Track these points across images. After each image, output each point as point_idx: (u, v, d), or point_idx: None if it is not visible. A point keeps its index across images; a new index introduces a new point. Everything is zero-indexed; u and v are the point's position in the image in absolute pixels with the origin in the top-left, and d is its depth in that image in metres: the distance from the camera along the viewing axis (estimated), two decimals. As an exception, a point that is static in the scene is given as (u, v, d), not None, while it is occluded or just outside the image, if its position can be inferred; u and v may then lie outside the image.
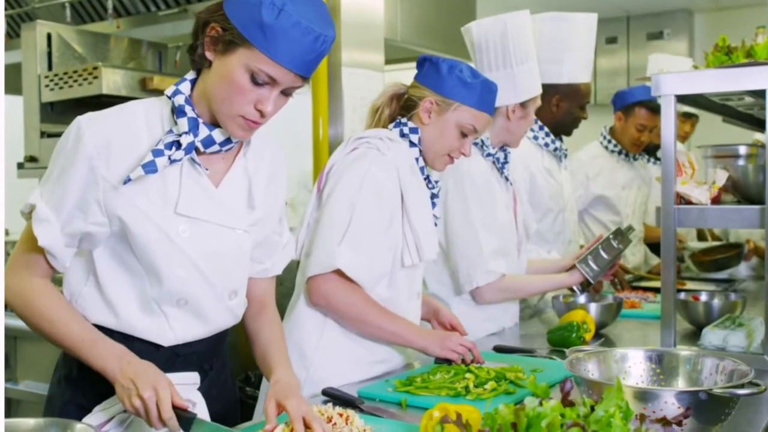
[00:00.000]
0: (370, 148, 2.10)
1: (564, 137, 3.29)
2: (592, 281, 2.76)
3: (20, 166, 3.56)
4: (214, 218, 1.61)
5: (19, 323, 1.62)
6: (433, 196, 2.24)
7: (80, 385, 1.64)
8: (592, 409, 1.14)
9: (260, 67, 1.47)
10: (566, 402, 1.14)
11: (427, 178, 2.20)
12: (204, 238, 1.60)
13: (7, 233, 4.07)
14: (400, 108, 2.21)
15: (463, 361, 2.07)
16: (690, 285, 3.61)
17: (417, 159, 2.16)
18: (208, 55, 1.53)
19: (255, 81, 1.49)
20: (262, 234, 1.74)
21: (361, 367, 2.11)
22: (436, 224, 2.27)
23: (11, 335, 3.22)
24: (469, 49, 2.73)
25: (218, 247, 1.63)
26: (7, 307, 1.59)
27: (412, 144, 2.15)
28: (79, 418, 1.53)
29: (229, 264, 1.66)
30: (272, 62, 1.47)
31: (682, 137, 4.95)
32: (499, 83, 2.58)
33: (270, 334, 1.75)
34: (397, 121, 2.18)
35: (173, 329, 1.62)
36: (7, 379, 3.19)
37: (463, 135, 2.15)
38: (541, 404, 1.11)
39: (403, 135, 2.16)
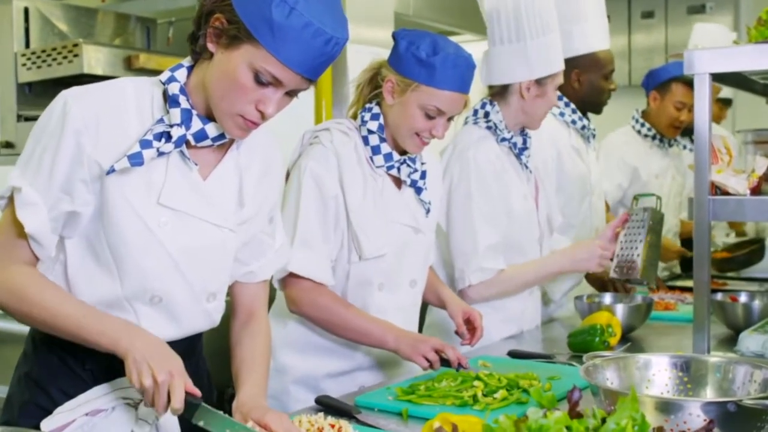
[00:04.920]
0: (314, 144, 2.16)
1: (591, 120, 3.25)
2: (654, 284, 2.73)
3: (-5, 152, 3.55)
4: (199, 213, 1.61)
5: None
6: (414, 183, 2.23)
7: (41, 384, 1.64)
8: (604, 421, 1.12)
9: (265, 66, 1.48)
10: (574, 413, 1.11)
11: (404, 161, 2.20)
12: (186, 233, 1.60)
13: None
14: (375, 88, 2.21)
15: (447, 363, 2.05)
16: (732, 285, 3.57)
17: (377, 147, 2.17)
18: (210, 46, 1.54)
19: (258, 80, 1.50)
20: (249, 233, 1.75)
21: (327, 356, 2.22)
22: (428, 210, 2.26)
23: (-18, 336, 3.22)
24: (486, 22, 2.70)
25: (200, 243, 1.63)
26: None
27: (370, 132, 2.17)
28: (39, 420, 1.55)
29: (210, 263, 1.66)
30: (279, 63, 1.48)
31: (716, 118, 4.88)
32: (511, 57, 2.57)
33: (249, 347, 1.76)
34: (366, 106, 2.20)
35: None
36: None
37: (429, 116, 2.11)
38: (545, 416, 1.09)
39: (363, 122, 2.17)
